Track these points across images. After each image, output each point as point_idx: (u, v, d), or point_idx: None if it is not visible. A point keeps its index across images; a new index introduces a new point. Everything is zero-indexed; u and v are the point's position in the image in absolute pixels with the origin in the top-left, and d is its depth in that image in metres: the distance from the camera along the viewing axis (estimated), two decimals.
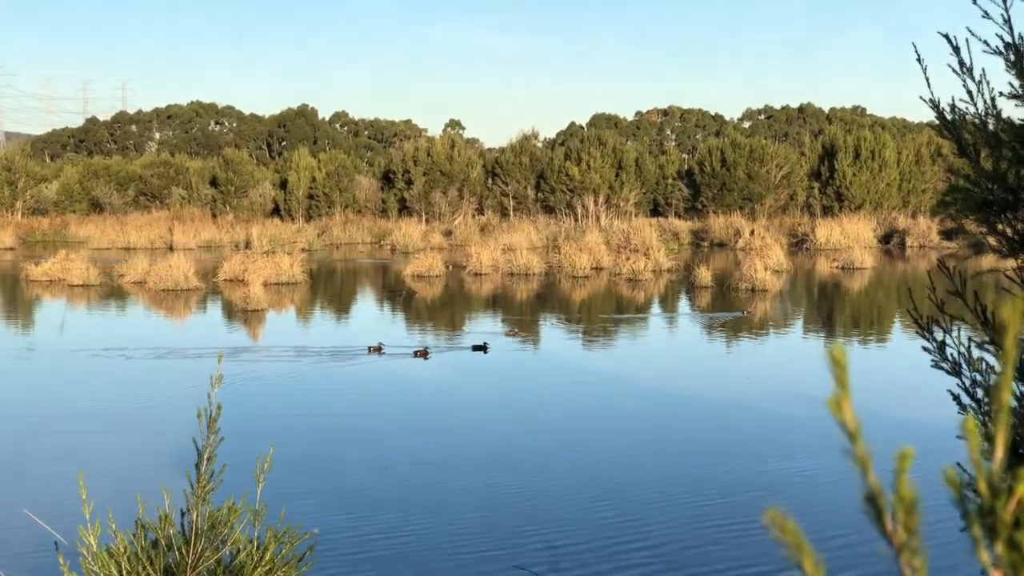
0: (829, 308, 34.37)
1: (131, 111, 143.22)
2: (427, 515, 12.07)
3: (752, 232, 57.25)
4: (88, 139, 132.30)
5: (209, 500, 4.29)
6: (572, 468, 14.03)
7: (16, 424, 17.47)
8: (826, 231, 58.79)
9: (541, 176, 70.58)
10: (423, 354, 23.64)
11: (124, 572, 4.25)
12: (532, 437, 15.96)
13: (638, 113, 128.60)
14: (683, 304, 35.12)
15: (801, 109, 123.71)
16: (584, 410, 18.05)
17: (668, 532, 11.33)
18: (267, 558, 4.35)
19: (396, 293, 38.61)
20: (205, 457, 4.26)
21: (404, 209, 71.19)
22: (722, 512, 11.98)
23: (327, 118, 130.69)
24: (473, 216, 69.19)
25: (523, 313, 32.28)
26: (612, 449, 15.09)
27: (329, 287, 42.29)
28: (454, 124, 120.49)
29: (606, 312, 32.85)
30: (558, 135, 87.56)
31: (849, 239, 57.05)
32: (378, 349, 24.03)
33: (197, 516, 4.26)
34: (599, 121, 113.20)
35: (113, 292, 37.52)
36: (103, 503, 4.44)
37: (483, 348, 24.24)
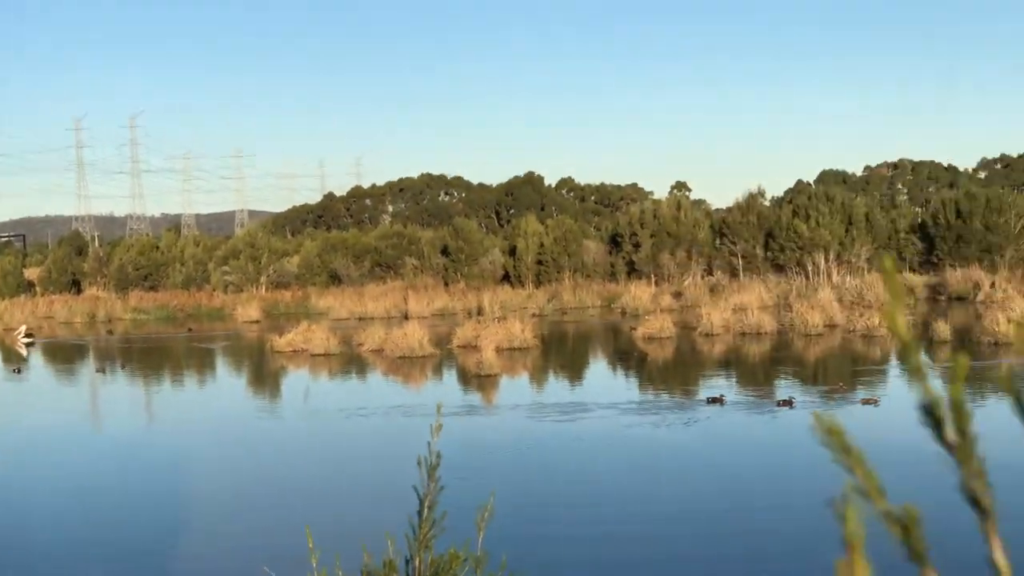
0: None
1: (365, 185, 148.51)
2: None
3: (993, 284, 54.84)
4: (326, 214, 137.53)
5: (431, 547, 4.44)
6: None
7: (255, 480, 18.28)
8: None
9: (769, 234, 69.42)
10: (787, 403, 24.80)
11: None
12: None
13: (867, 167, 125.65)
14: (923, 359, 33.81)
15: None
16: None
17: None
18: None
19: (628, 355, 38.69)
20: (426, 504, 4.42)
21: (632, 272, 71.06)
22: None
23: (553, 184, 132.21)
24: (702, 277, 68.55)
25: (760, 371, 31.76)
26: None
27: (561, 351, 42.64)
28: (680, 186, 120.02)
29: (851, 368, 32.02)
30: (785, 193, 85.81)
31: None
32: (719, 400, 25.61)
33: (419, 562, 4.41)
34: (827, 177, 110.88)
35: (352, 360, 38.83)
36: (330, 552, 4.64)
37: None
